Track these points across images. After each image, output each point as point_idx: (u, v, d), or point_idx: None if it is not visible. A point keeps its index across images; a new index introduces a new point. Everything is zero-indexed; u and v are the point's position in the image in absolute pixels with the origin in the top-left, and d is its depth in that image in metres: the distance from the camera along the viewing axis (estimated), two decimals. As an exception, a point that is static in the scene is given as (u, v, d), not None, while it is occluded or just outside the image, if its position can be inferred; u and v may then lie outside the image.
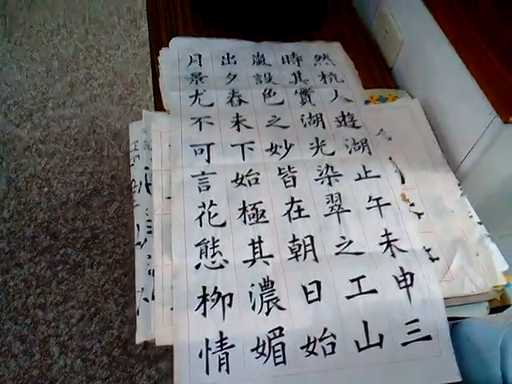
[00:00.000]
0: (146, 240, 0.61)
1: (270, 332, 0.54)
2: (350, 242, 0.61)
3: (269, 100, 0.79)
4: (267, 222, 0.62)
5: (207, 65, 0.84)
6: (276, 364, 0.52)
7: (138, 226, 0.62)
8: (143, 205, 0.64)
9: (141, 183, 0.66)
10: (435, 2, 0.73)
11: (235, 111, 0.76)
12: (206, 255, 0.58)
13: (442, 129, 0.76)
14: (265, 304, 0.55)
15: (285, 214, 0.63)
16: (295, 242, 0.61)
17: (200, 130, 0.72)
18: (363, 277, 0.58)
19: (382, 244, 0.62)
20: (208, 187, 0.65)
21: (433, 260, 0.61)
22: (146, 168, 0.67)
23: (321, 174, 0.68)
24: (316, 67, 0.86)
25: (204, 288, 0.56)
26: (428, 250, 0.62)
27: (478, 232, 0.64)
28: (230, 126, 0.73)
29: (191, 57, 0.85)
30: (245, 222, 0.62)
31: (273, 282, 0.57)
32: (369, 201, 0.66)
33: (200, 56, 0.85)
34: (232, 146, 0.70)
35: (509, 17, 0.65)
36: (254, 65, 0.85)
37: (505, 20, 0.65)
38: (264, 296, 0.56)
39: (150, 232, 0.61)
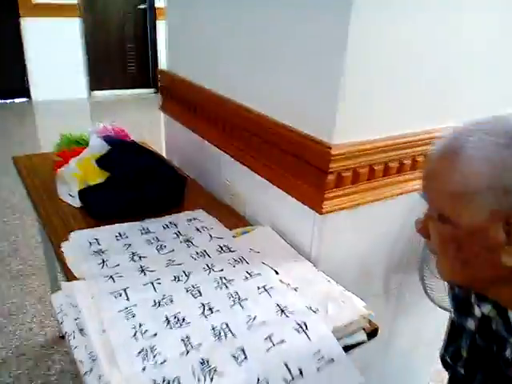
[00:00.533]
0: (91, 369, 0.70)
1: (217, 394, 0.66)
2: (255, 317, 0.81)
3: (162, 251, 1.02)
4: (189, 323, 0.78)
5: (105, 243, 1.04)
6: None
7: (81, 361, 0.72)
8: (80, 345, 0.75)
9: (74, 331, 0.77)
10: (258, 169, 1.12)
11: (139, 264, 0.96)
12: (148, 359, 0.71)
13: (288, 236, 1.06)
14: (207, 375, 0.68)
15: (201, 314, 0.81)
16: (215, 330, 0.77)
17: (114, 282, 0.89)
18: (272, 334, 0.76)
19: (277, 312, 0.82)
20: (134, 315, 0.80)
21: (314, 312, 0.83)
22: (76, 319, 0.80)
23: (218, 283, 0.89)
24: (190, 225, 1.14)
25: (154, 381, 0.67)
26: (309, 308, 0.84)
27: (337, 289, 0.90)
28: (137, 274, 0.92)
29: (90, 241, 1.05)
30: (171, 328, 0.77)
31: (208, 360, 0.71)
32: (258, 289, 0.88)
33: (97, 239, 1.06)
34: (143, 285, 0.88)
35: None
36: (143, 235, 1.09)
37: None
38: (205, 370, 0.69)
39: (93, 360, 0.71)
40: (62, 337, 1.82)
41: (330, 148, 0.88)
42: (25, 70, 5.13)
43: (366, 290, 0.99)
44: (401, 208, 1.07)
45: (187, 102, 1.43)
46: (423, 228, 0.64)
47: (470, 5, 0.95)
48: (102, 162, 1.22)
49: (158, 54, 5.99)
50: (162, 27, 5.84)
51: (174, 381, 0.67)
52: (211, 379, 0.68)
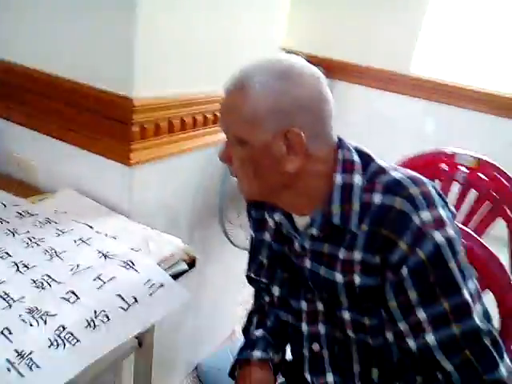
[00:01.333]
0: None
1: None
2: (78, 265, 0.80)
3: None
4: (4, 281, 0.72)
5: None
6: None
7: None
8: None
9: None
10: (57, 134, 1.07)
11: None
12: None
13: (96, 195, 1.06)
14: (40, 319, 0.66)
15: (16, 271, 0.75)
16: (36, 282, 0.74)
17: None
18: (101, 275, 0.78)
19: (100, 257, 0.83)
20: None
21: (137, 251, 0.87)
22: None
23: (27, 244, 0.84)
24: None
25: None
26: (132, 249, 0.88)
27: (154, 232, 0.96)
28: None
29: None
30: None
31: (36, 307, 0.68)
32: (75, 242, 0.87)
33: None
34: None
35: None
36: None
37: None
38: (36, 315, 0.66)
39: None
40: None
41: (132, 100, 0.93)
42: None
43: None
44: (199, 161, 1.20)
45: None
46: (225, 154, 0.77)
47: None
48: None
49: None
50: None
51: (2, 331, 0.62)
52: (45, 322, 0.66)
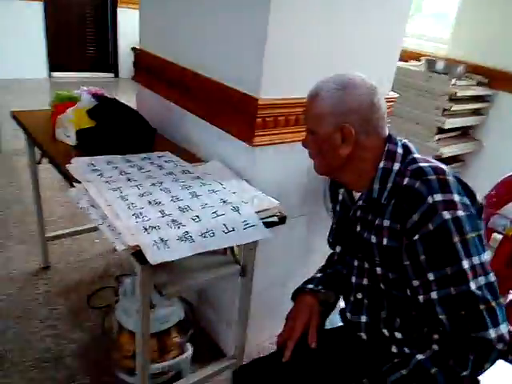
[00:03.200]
0: (103, 222, 1.13)
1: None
2: (206, 204, 1.26)
3: (141, 171, 1.45)
4: (164, 204, 1.23)
5: (99, 166, 1.46)
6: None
7: (95, 219, 1.15)
8: (93, 213, 1.17)
9: (87, 206, 1.20)
10: (210, 119, 1.58)
11: (126, 177, 1.39)
12: (138, 218, 1.14)
13: (231, 165, 1.52)
14: (176, 227, 1.13)
15: (171, 201, 1.25)
16: (180, 208, 1.22)
17: (110, 184, 1.32)
18: (217, 211, 1.22)
19: (220, 202, 1.28)
20: (127, 199, 1.23)
21: (246, 203, 1.30)
22: (88, 201, 1.22)
23: (181, 187, 1.34)
24: (160, 159, 1.58)
25: (144, 227, 1.11)
26: (242, 201, 1.30)
27: (261, 194, 1.37)
28: (125, 182, 1.35)
29: (87, 164, 1.46)
30: (152, 206, 1.21)
31: (176, 220, 1.16)
32: (209, 191, 1.34)
33: (93, 163, 1.47)
34: (131, 186, 1.32)
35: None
36: (126, 163, 1.51)
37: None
38: (175, 224, 1.14)
39: (104, 219, 1.14)
40: (46, 267, 2.20)
41: (258, 100, 1.35)
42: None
43: (287, 212, 1.46)
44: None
45: (153, 72, 1.86)
46: (304, 140, 1.11)
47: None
48: (91, 112, 1.63)
49: (118, 40, 6.24)
50: (122, 14, 6.11)
51: (155, 227, 1.12)
52: (178, 227, 1.13)
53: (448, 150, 3.05)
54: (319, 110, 1.00)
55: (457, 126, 3.04)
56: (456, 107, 2.90)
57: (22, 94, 5.05)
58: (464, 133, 3.25)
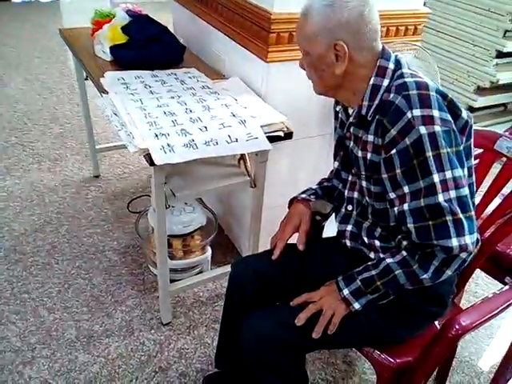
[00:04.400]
0: (121, 128, 1.27)
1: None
2: (216, 116, 1.35)
3: (164, 85, 1.55)
4: (177, 115, 1.34)
5: (127, 79, 1.58)
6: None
7: (116, 125, 1.28)
8: (115, 121, 1.31)
9: (111, 114, 1.33)
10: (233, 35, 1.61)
11: (149, 90, 1.50)
12: (152, 126, 1.26)
13: (248, 81, 1.57)
14: (184, 135, 1.24)
15: (184, 112, 1.36)
16: (192, 119, 1.32)
17: (133, 95, 1.44)
18: (224, 123, 1.31)
19: (229, 115, 1.36)
20: (145, 109, 1.35)
21: (253, 117, 1.37)
22: (112, 109, 1.35)
23: (197, 101, 1.44)
24: (185, 75, 1.66)
25: (155, 134, 1.23)
26: (250, 116, 1.38)
27: (272, 109, 1.43)
28: (148, 94, 1.47)
29: (117, 78, 1.58)
30: (167, 116, 1.33)
31: (185, 129, 1.27)
32: (222, 105, 1.42)
33: (122, 77, 1.59)
34: (151, 99, 1.43)
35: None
36: (153, 77, 1.62)
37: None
38: (183, 132, 1.25)
39: (123, 125, 1.27)
40: (96, 176, 2.46)
41: (271, 13, 1.36)
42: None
43: (303, 131, 1.50)
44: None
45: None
46: (300, 62, 1.11)
47: None
48: (125, 28, 1.72)
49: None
50: None
51: (165, 134, 1.23)
52: (185, 135, 1.24)
53: (506, 76, 2.83)
54: (310, 29, 0.99)
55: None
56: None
57: (85, 13, 5.23)
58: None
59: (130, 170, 2.56)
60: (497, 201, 1.30)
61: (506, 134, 1.26)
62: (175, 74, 1.66)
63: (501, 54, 2.76)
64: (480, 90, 3.00)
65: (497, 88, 2.98)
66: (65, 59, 3.94)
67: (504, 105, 3.37)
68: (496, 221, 1.28)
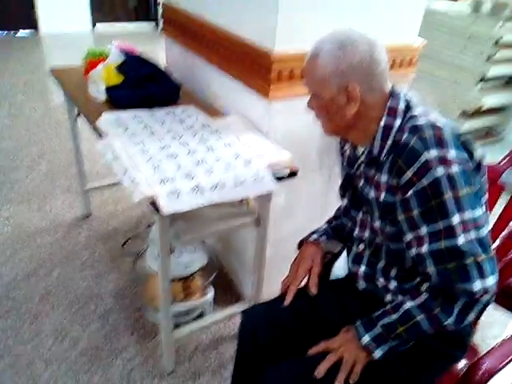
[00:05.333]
0: (124, 173, 1.23)
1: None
2: (220, 158, 1.33)
3: (164, 125, 1.52)
4: (181, 158, 1.30)
5: (125, 120, 1.55)
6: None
7: (118, 171, 1.24)
8: (116, 166, 1.27)
9: (111, 159, 1.29)
10: (231, 72, 1.60)
11: (149, 131, 1.47)
12: (156, 171, 1.23)
13: (249, 118, 1.56)
14: (189, 179, 1.21)
15: (187, 154, 1.33)
16: (196, 161, 1.29)
17: (134, 138, 1.41)
18: (229, 165, 1.28)
19: (234, 156, 1.34)
20: (148, 152, 1.32)
21: (259, 157, 1.35)
22: (112, 154, 1.32)
23: (199, 140, 1.41)
24: (183, 113, 1.64)
25: (161, 179, 1.20)
26: (256, 155, 1.35)
27: (276, 147, 1.41)
28: (149, 135, 1.44)
29: (115, 119, 1.55)
30: (170, 159, 1.29)
31: (190, 173, 1.23)
32: (224, 145, 1.39)
33: (120, 118, 1.56)
34: (153, 140, 1.40)
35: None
36: (151, 117, 1.59)
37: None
38: (189, 176, 1.22)
39: (125, 170, 1.23)
40: (87, 215, 2.39)
41: (272, 52, 1.35)
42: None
43: (304, 165, 1.48)
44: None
45: (182, 27, 1.89)
46: (309, 103, 1.10)
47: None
48: (120, 68, 1.70)
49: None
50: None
51: (171, 179, 1.20)
52: (190, 179, 1.20)
53: (491, 100, 2.90)
54: (320, 72, 0.99)
55: (502, 74, 2.87)
56: (502, 53, 2.72)
57: (66, 47, 5.23)
58: (509, 82, 3.06)
59: (122, 206, 2.50)
60: (505, 233, 1.30)
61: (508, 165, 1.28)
62: (173, 113, 1.64)
63: (485, 79, 2.84)
64: (466, 115, 3.07)
65: (482, 112, 3.05)
66: (49, 92, 3.90)
67: (489, 128, 3.46)
68: (506, 255, 1.27)
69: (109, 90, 1.67)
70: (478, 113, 3.02)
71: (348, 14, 1.45)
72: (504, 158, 1.44)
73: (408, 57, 1.68)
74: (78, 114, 2.07)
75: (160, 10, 6.35)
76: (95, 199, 2.51)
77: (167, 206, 1.12)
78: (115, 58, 1.73)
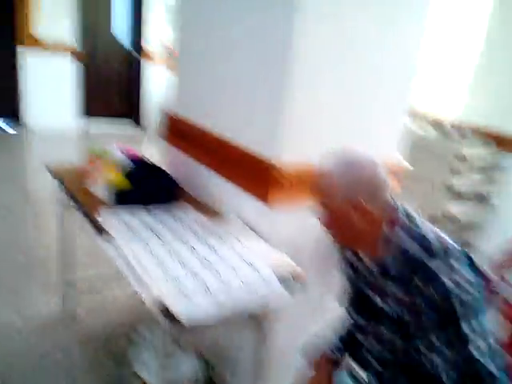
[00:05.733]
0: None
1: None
2: (228, 262, 1.36)
3: (166, 226, 1.56)
4: (188, 264, 1.33)
5: (125, 217, 1.58)
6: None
7: (128, 275, 1.25)
8: (123, 266, 1.28)
9: (122, 265, 1.31)
10: (232, 179, 1.70)
11: (155, 234, 1.50)
12: (165, 273, 1.24)
13: (250, 224, 1.62)
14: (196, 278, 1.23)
15: (196, 259, 1.36)
16: (203, 264, 1.32)
17: (140, 240, 1.43)
18: (239, 269, 1.32)
19: (240, 261, 1.37)
20: (158, 257, 1.34)
21: (265, 262, 1.39)
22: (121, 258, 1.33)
23: (206, 247, 1.45)
24: (184, 214, 1.70)
25: (166, 279, 1.21)
26: (264, 261, 1.40)
27: (279, 254, 1.46)
28: (155, 240, 1.46)
29: (116, 216, 1.58)
30: (176, 263, 1.32)
31: (197, 274, 1.25)
32: (228, 249, 1.44)
33: (120, 215, 1.59)
34: (161, 244, 1.43)
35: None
36: (151, 217, 1.63)
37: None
38: (196, 280, 1.23)
39: (134, 273, 1.24)
40: (67, 313, 2.28)
41: (274, 163, 1.47)
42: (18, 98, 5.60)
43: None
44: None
45: (183, 135, 2.03)
46: (321, 219, 1.18)
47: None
48: (129, 176, 1.76)
49: (144, 95, 6.61)
50: (147, 71, 6.50)
51: (178, 278, 1.21)
52: (206, 291, 1.22)
53: (463, 217, 3.15)
54: (330, 188, 1.10)
55: (468, 189, 3.15)
56: (464, 167, 3.03)
57: (54, 143, 5.34)
58: (478, 198, 3.32)
59: (105, 302, 2.41)
60: None
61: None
62: (171, 212, 1.70)
63: (455, 195, 3.10)
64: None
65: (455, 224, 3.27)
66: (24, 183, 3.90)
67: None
68: None
69: (118, 195, 1.71)
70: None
71: (344, 133, 1.62)
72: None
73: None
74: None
75: (145, 114, 6.65)
76: (75, 296, 2.41)
77: (185, 316, 1.11)
78: (123, 163, 1.80)
